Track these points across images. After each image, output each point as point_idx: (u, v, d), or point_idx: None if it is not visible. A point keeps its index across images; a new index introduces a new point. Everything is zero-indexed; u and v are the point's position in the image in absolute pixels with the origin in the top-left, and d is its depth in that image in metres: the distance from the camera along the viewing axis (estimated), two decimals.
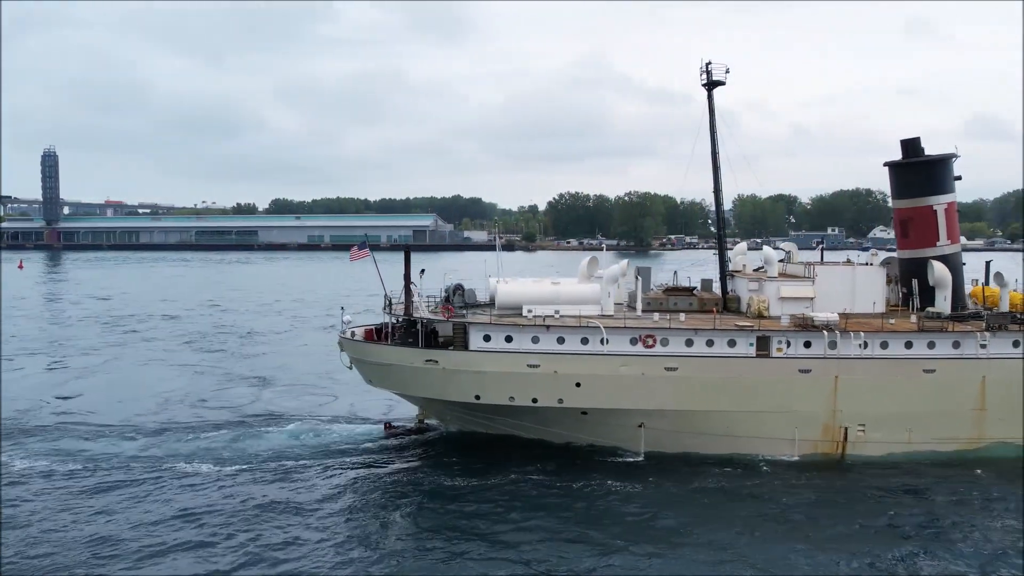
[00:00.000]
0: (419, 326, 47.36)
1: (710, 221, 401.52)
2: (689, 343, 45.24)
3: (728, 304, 51.65)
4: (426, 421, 51.44)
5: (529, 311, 47.24)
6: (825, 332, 44.52)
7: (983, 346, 44.95)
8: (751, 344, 45.08)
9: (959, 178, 51.47)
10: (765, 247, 52.48)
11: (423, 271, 48.73)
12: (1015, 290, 50.92)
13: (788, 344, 45.15)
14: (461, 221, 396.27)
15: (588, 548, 33.45)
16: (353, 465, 44.49)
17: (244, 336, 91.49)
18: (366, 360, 48.56)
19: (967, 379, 44.86)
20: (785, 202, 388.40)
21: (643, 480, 41.76)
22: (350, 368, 51.36)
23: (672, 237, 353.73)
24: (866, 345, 44.68)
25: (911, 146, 51.84)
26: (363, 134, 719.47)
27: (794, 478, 42.45)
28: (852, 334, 44.49)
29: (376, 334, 51.34)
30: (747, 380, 44.67)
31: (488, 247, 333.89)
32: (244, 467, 43.35)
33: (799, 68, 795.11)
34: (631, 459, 45.19)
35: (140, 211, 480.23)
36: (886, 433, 44.90)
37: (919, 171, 51.26)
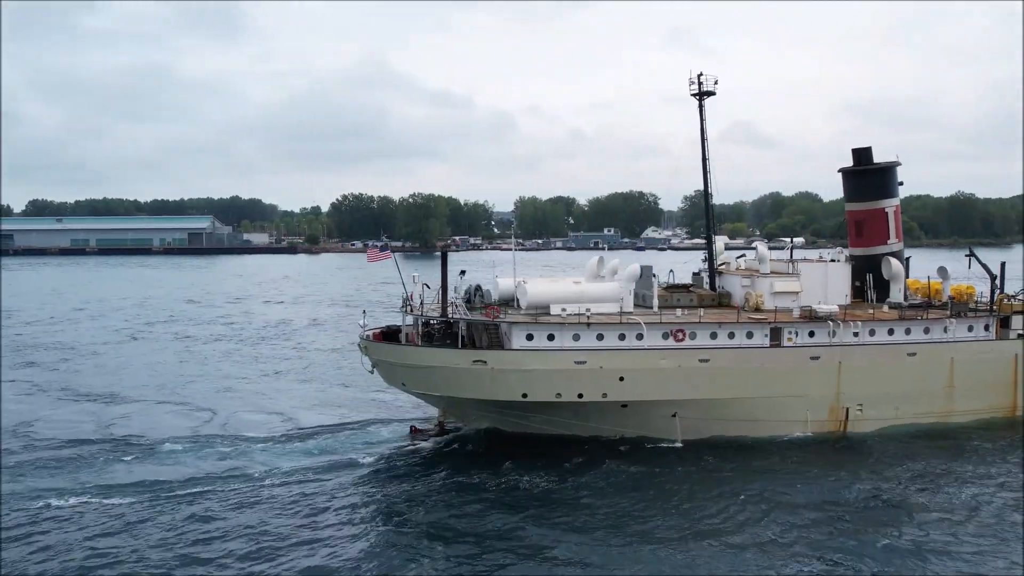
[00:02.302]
0: (458, 327, 48.37)
1: (493, 223, 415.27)
2: (714, 336, 49.70)
3: (721, 299, 56.59)
4: (447, 423, 52.19)
5: (563, 309, 49.60)
6: (830, 323, 50.59)
7: (945, 330, 52.99)
8: (766, 335, 50.28)
9: (902, 183, 59.82)
10: (759, 246, 57.83)
11: (463, 272, 49.75)
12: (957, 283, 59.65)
13: (796, 334, 50.79)
14: (240, 223, 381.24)
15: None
16: (386, 471, 45.00)
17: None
18: (401, 363, 48.71)
19: (940, 360, 52.65)
20: (564, 204, 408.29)
21: (697, 464, 45.59)
22: (371, 372, 51.22)
23: (456, 238, 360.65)
24: (857, 333, 51.26)
25: (862, 154, 59.50)
26: (133, 131, 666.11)
27: (824, 455, 47.98)
28: (848, 323, 50.83)
29: (384, 336, 51.68)
30: (768, 368, 49.75)
31: (271, 250, 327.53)
32: (273, 477, 43.07)
33: (575, 73, 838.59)
34: (667, 445, 48.84)
35: None
36: (879, 411, 51.70)
37: (871, 177, 59.07)
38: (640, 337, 48.54)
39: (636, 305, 53.39)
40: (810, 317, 51.19)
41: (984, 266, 55.94)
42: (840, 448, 49.28)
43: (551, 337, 47.93)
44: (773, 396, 49.95)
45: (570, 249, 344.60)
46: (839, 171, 60.77)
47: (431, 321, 50.27)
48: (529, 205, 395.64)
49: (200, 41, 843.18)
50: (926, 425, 52.44)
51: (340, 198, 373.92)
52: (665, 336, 49.01)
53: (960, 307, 54.50)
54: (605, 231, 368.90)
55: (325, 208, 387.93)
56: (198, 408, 58.05)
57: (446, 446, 49.42)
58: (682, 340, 49.21)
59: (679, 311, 51.44)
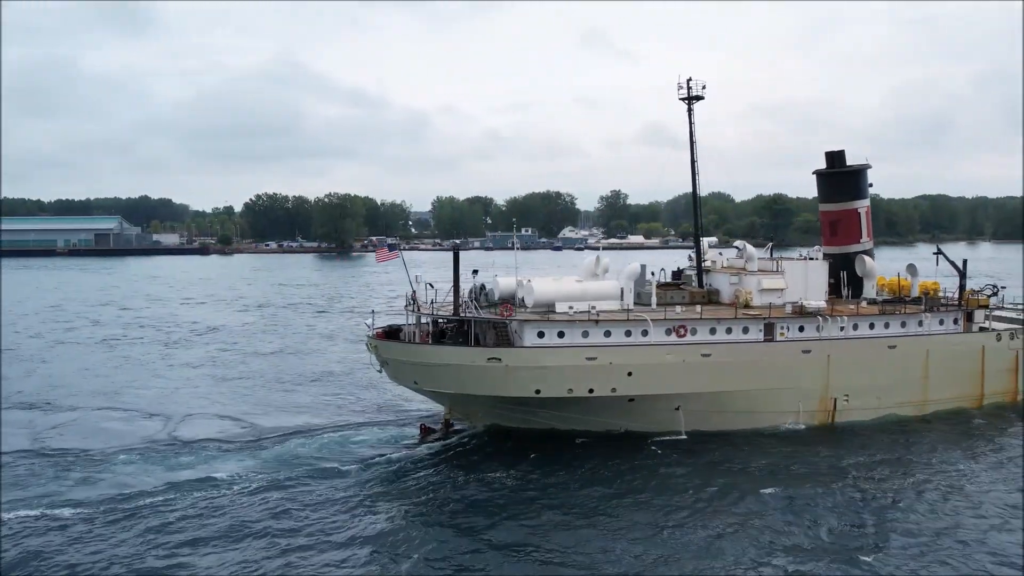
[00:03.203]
0: (469, 326, 49.53)
1: (411, 223, 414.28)
2: (713, 331, 52.12)
3: (710, 297, 59.08)
4: (452, 420, 53.17)
5: (570, 307, 51.27)
6: (819, 318, 53.63)
7: (919, 324, 56.72)
8: (760, 330, 52.99)
9: (871, 185, 63.53)
10: (747, 245, 60.44)
11: (476, 271, 50.86)
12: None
13: (787, 329, 53.66)
14: (150, 223, 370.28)
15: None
16: (402, 470, 45.73)
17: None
18: (415, 362, 49.57)
19: (917, 353, 56.28)
20: (482, 204, 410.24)
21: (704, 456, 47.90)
22: (380, 371, 51.94)
23: (374, 238, 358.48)
24: (843, 328, 54.47)
25: (836, 157, 62.96)
26: (34, 128, 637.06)
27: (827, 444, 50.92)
28: (835, 318, 53.97)
29: (387, 335, 52.48)
30: (764, 362, 52.43)
31: (181, 251, 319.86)
32: (287, 479, 43.33)
33: (490, 74, 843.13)
34: (672, 439, 51.02)
35: None
36: (863, 401, 54.99)
37: (844, 179, 62.61)
38: (645, 333, 50.62)
39: (635, 303, 55.35)
40: (801, 313, 54.10)
41: (952, 263, 59.95)
42: (836, 437, 52.29)
43: (561, 334, 49.56)
44: (769, 388, 52.63)
45: (488, 249, 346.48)
46: (814, 173, 64.15)
47: (439, 320, 51.28)
48: (447, 205, 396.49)
49: (105, 36, 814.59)
50: (904, 414, 55.97)
51: (254, 198, 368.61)
52: (668, 332, 51.17)
53: (933, 302, 58.32)
54: (523, 231, 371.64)
55: (239, 208, 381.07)
56: (159, 414, 57.25)
57: (459, 444, 50.41)
58: (684, 336, 51.48)
59: (678, 308, 53.65)
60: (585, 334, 49.82)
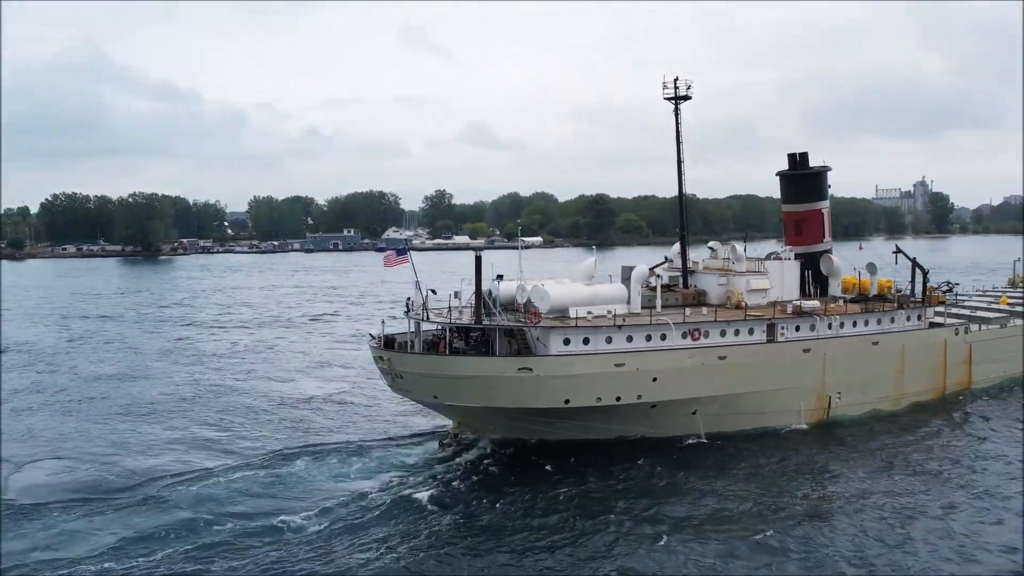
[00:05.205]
0: (495, 333, 47.44)
1: (227, 224, 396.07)
2: (723, 334, 52.56)
3: (699, 298, 59.45)
4: (461, 434, 50.76)
5: (588, 312, 50.14)
6: (815, 317, 55.27)
7: (892, 321, 59.73)
8: (763, 331, 53.95)
9: (830, 186, 66.15)
10: (736, 245, 61.05)
11: (500, 277, 48.71)
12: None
13: (786, 329, 54.93)
14: None
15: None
16: (431, 486, 43.76)
17: None
18: (438, 375, 46.85)
19: (895, 348, 59.15)
20: (302, 204, 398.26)
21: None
22: (391, 386, 48.99)
23: (184, 241, 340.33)
24: (831, 326, 56.44)
25: (800, 159, 65.09)
26: None
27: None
28: (826, 318, 55.81)
29: (387, 344, 49.69)
30: (773, 362, 53.48)
31: None
32: (319, 502, 40.88)
33: (309, 71, 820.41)
34: (693, 441, 51.13)
35: None
36: (853, 397, 57.20)
37: (809, 180, 64.85)
38: (664, 337, 50.31)
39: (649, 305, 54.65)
40: (799, 313, 55.49)
41: (913, 261, 63.34)
42: (836, 435, 54.05)
43: (586, 340, 48.37)
44: (777, 388, 53.71)
45: (308, 251, 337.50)
46: (777, 174, 66.04)
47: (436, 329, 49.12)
48: (264, 205, 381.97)
49: None
50: (884, 408, 58.70)
51: (51, 198, 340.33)
52: (684, 336, 51.08)
53: (905, 299, 61.48)
54: (345, 232, 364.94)
55: (35, 209, 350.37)
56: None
57: (481, 459, 48.15)
58: (698, 339, 51.58)
59: (687, 310, 53.64)
60: (609, 339, 48.88)
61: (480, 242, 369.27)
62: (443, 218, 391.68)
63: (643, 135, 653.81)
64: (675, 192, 61.52)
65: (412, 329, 50.13)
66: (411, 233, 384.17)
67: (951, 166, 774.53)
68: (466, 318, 49.08)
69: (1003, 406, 61.13)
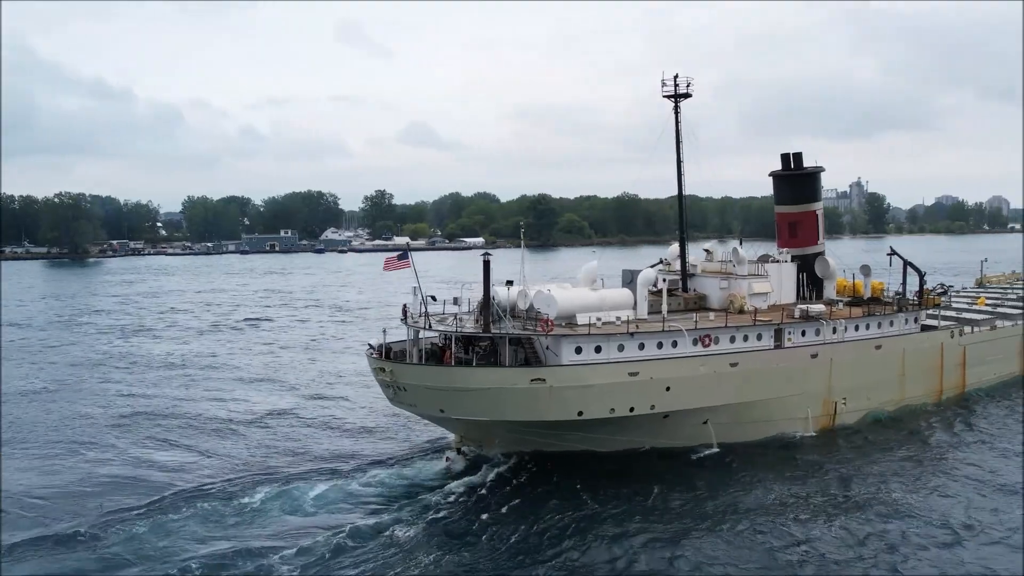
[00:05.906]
0: (505, 343, 45.08)
1: (160, 224, 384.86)
2: (732, 340, 50.95)
3: (699, 301, 57.75)
4: (462, 449, 48.27)
5: (597, 319, 48.02)
6: (821, 321, 54.03)
7: (891, 324, 58.91)
8: (771, 337, 52.51)
9: (822, 187, 65.17)
10: (738, 248, 59.40)
11: (510, 282, 46.33)
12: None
13: (792, 334, 53.59)
14: None
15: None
16: (443, 505, 41.67)
17: None
18: (443, 387, 44.26)
19: (897, 352, 58.32)
20: (238, 204, 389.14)
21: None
22: (392, 399, 46.35)
23: (115, 242, 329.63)
24: (836, 331, 55.31)
25: (794, 160, 63.93)
26: None
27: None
28: (831, 322, 54.64)
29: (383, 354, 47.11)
30: (783, 369, 52.05)
31: None
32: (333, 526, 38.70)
33: (245, 69, 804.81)
34: (706, 452, 49.46)
35: None
36: (857, 402, 56.20)
37: (804, 181, 63.72)
38: (675, 344, 48.52)
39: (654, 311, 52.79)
40: (805, 317, 54.17)
41: (909, 263, 62.61)
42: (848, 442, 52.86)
43: (598, 349, 46.30)
44: (786, 395, 52.34)
45: (244, 252, 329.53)
46: (770, 175, 64.79)
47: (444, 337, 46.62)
48: (199, 205, 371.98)
49: None
50: (888, 411, 57.83)
51: None
52: (695, 343, 49.33)
53: (904, 302, 60.69)
54: (282, 232, 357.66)
55: None
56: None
57: (498, 477, 45.65)
58: (709, 345, 49.88)
59: (695, 316, 51.89)
60: (621, 347, 46.89)
61: (421, 243, 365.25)
62: (383, 219, 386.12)
63: (585, 135, 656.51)
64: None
65: (411, 338, 47.57)
66: (350, 234, 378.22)
67: (885, 166, 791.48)
68: (468, 325, 46.67)
69: (1003, 406, 61.06)
